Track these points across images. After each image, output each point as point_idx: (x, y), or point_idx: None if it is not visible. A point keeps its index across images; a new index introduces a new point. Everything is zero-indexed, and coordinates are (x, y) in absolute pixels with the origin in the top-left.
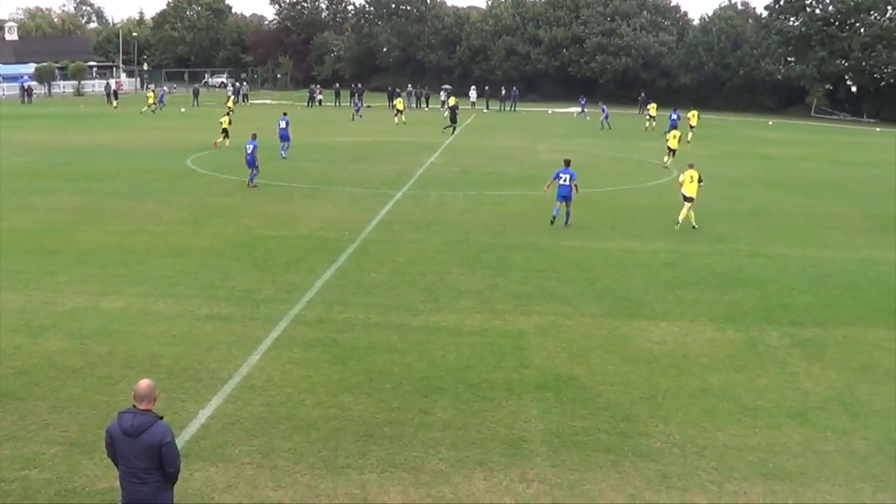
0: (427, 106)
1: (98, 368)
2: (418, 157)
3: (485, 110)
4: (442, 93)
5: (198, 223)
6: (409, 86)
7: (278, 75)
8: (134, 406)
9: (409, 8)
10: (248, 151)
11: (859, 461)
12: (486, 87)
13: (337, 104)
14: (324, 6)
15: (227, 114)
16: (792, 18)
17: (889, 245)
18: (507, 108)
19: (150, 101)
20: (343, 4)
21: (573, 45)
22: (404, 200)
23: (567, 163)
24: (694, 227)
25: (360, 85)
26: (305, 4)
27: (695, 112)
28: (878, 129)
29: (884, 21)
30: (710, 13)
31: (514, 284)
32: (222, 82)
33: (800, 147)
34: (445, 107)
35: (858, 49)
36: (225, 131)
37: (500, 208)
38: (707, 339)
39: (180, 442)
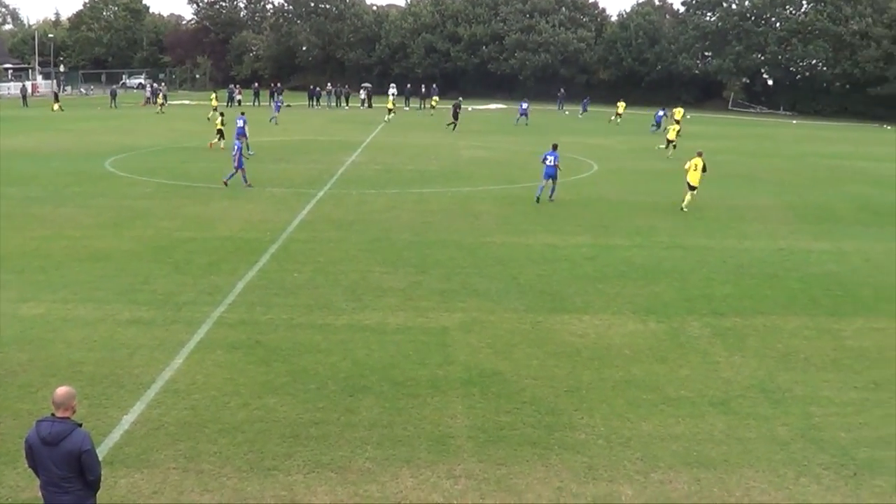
0: (347, 104)
1: (18, 376)
2: (339, 156)
3: (405, 108)
4: (362, 91)
5: (117, 226)
6: (329, 84)
7: (197, 76)
8: (52, 414)
9: (328, 6)
10: (234, 151)
11: (781, 447)
12: (408, 85)
13: (256, 104)
14: (242, 5)
15: (221, 114)
16: (709, 14)
17: (806, 235)
18: (428, 106)
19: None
20: (262, 3)
21: (492, 42)
22: (326, 199)
23: (554, 147)
24: (683, 209)
25: (279, 84)
26: (224, 4)
27: (680, 109)
28: (794, 122)
29: (799, 15)
30: (628, 9)
31: (437, 281)
32: (140, 83)
33: (717, 140)
34: (365, 105)
35: (774, 43)
36: (220, 132)
37: (422, 206)
38: (629, 330)
39: (104, 449)
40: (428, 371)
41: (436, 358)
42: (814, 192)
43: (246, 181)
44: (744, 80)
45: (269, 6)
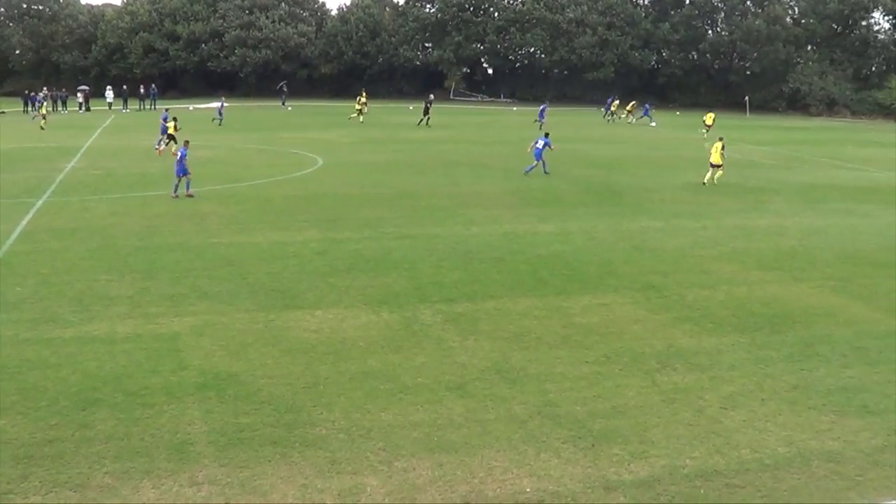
0: (65, 109)
1: None
2: (58, 163)
3: (124, 110)
4: (79, 94)
5: None
6: (45, 89)
7: None
8: None
9: (41, 7)
10: (178, 159)
11: (520, 425)
12: (125, 87)
13: None
14: None
15: (174, 118)
16: (428, 5)
17: (532, 218)
18: (147, 107)
19: None
20: None
21: (212, 39)
22: (46, 208)
23: (546, 134)
24: (704, 183)
25: None
26: None
27: (711, 114)
28: (514, 109)
29: (517, 5)
30: (348, 3)
31: (166, 286)
32: None
33: (441, 130)
34: (83, 109)
35: (493, 33)
36: (172, 137)
37: (146, 209)
38: (363, 322)
39: None
40: (162, 378)
41: (169, 364)
42: (537, 176)
43: (186, 189)
44: (464, 69)
45: None
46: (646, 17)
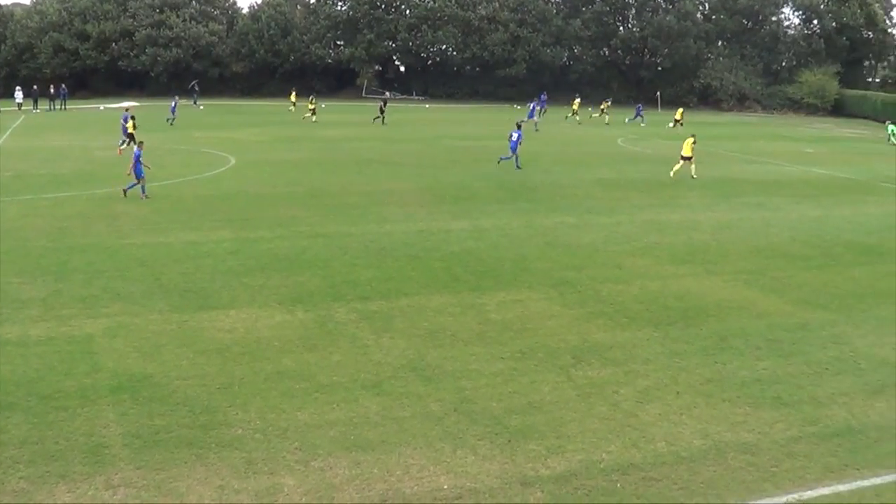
0: None
1: None
2: None
3: (34, 111)
4: None
5: None
6: None
7: None
8: None
9: None
10: (134, 161)
11: (436, 422)
12: (35, 87)
13: None
14: None
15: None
16: (340, 3)
17: (445, 215)
18: (58, 107)
19: None
20: None
21: (122, 38)
22: None
23: (518, 126)
24: (693, 177)
25: None
26: None
27: (680, 110)
28: (427, 106)
29: (428, 3)
30: (260, 1)
31: (79, 288)
32: None
33: (353, 127)
34: None
35: (405, 30)
36: (131, 136)
37: (58, 210)
38: (277, 322)
39: None
40: (76, 381)
41: (83, 367)
42: (450, 173)
43: (142, 192)
44: (377, 67)
45: None
46: (557, 13)
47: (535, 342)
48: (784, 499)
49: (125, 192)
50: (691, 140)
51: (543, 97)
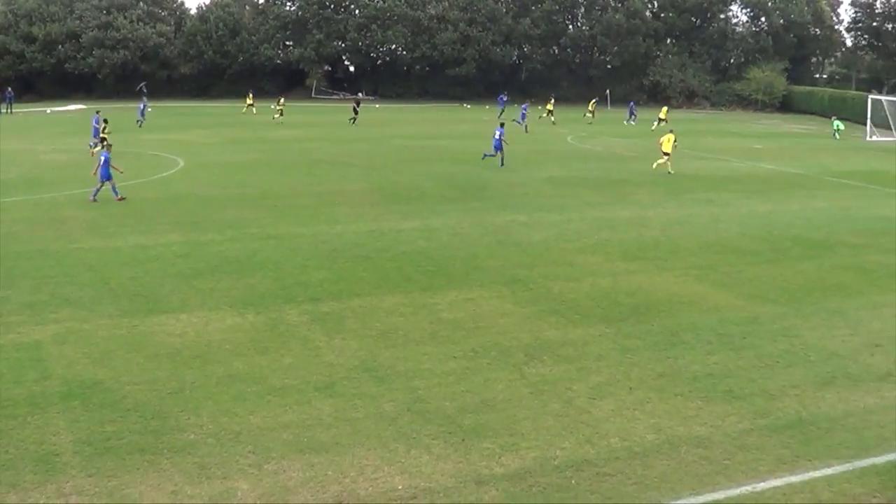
0: None
1: None
2: None
3: None
4: None
5: None
6: None
7: None
8: None
9: None
10: (101, 163)
11: (390, 423)
12: None
13: None
14: None
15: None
16: (289, 3)
17: (396, 214)
18: (4, 111)
19: None
20: None
21: (69, 40)
22: None
23: (501, 124)
24: (670, 172)
25: None
26: None
27: (665, 108)
28: (377, 106)
29: (378, 2)
30: (208, 2)
31: (26, 294)
32: None
33: (303, 128)
34: None
35: (354, 30)
36: (103, 139)
37: (3, 216)
38: (228, 325)
39: None
40: (25, 389)
41: (31, 374)
42: (401, 173)
43: (115, 194)
44: (326, 67)
45: None
46: (507, 12)
47: (487, 341)
48: (737, 491)
49: (93, 198)
50: (672, 137)
51: (503, 97)
